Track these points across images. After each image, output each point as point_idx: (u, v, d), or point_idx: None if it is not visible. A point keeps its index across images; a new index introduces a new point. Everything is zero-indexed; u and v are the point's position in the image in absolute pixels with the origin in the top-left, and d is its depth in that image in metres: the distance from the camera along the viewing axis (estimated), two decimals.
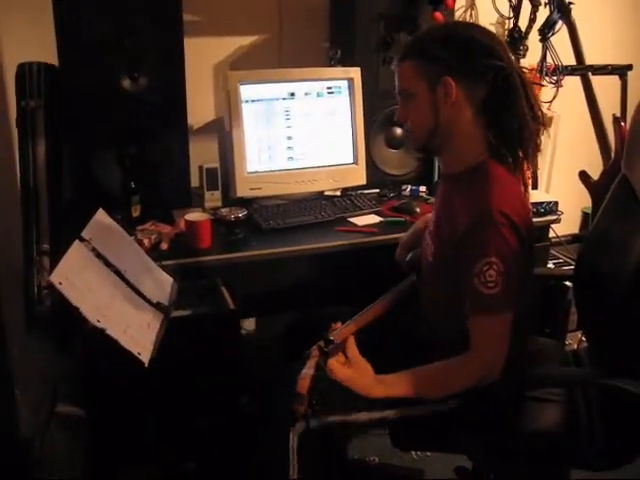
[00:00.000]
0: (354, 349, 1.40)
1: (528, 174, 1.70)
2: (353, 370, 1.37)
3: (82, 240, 1.55)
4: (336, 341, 1.40)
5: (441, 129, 1.45)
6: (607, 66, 2.46)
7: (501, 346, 1.36)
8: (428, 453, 2.10)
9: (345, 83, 2.30)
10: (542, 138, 1.48)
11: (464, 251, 1.37)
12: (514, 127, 1.42)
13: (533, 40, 2.38)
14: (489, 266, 1.32)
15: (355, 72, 2.29)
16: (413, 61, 1.44)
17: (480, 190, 1.39)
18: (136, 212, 2.02)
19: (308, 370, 1.37)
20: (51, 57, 1.96)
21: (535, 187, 2.61)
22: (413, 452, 2.11)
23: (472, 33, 1.43)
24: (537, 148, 1.47)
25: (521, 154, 1.46)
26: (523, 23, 2.38)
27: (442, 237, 1.48)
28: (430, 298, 1.60)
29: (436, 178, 2.43)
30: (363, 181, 2.36)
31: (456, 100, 1.41)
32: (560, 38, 2.38)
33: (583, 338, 2.24)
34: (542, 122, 1.46)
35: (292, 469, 1.38)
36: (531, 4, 2.33)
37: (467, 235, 1.36)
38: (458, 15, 2.62)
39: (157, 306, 1.63)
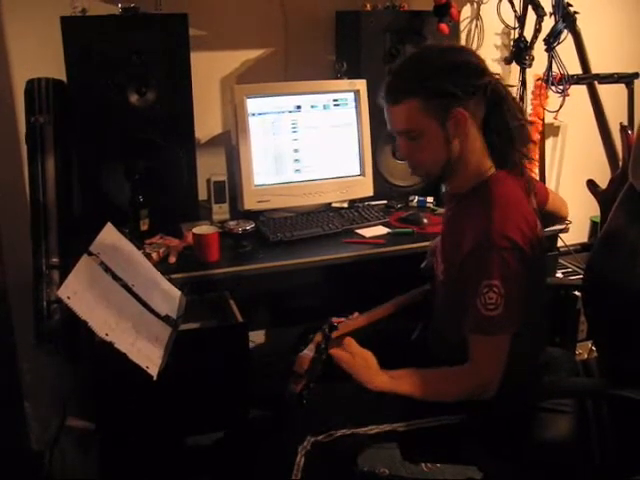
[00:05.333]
0: (353, 342, 1.41)
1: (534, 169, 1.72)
2: (356, 358, 1.39)
3: (90, 254, 1.56)
4: (340, 330, 1.41)
5: (453, 159, 1.43)
6: (613, 75, 2.46)
7: (498, 365, 1.38)
8: (438, 465, 2.09)
9: (351, 95, 2.31)
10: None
11: (467, 273, 1.37)
12: (512, 132, 1.42)
13: (539, 50, 2.39)
14: (489, 288, 1.32)
15: (361, 84, 2.30)
16: (416, 100, 1.39)
17: (482, 212, 1.38)
18: (144, 226, 2.03)
19: (308, 351, 1.39)
20: (60, 73, 1.98)
21: None
22: (423, 464, 2.09)
23: (459, 56, 1.42)
24: (533, 147, 1.50)
25: (523, 154, 1.46)
26: (528, 33, 2.39)
27: (448, 257, 1.48)
28: (441, 311, 1.60)
29: (443, 189, 2.43)
30: (370, 192, 2.37)
31: (465, 126, 1.40)
32: (566, 47, 2.39)
33: (593, 348, 2.23)
34: (527, 132, 1.46)
35: None
36: (536, 14, 2.34)
37: (470, 258, 1.36)
38: (463, 26, 2.63)
39: (165, 319, 1.63)
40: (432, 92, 1.38)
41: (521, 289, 1.35)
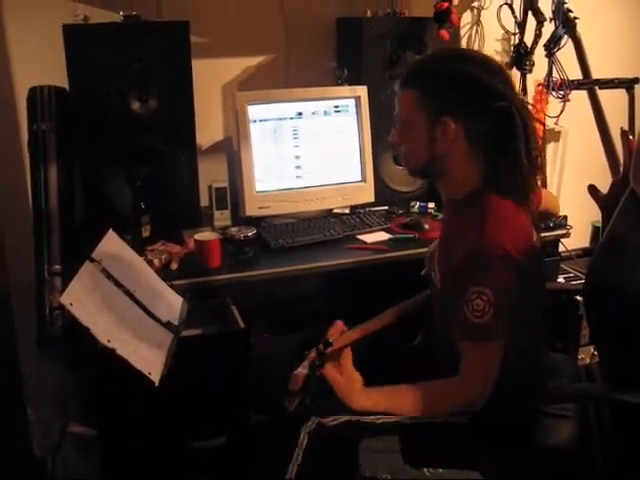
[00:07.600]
0: (348, 359, 1.42)
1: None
2: (343, 376, 1.39)
3: (92, 261, 1.57)
4: (335, 345, 1.41)
5: (436, 160, 1.43)
6: (614, 80, 2.46)
7: (488, 374, 1.37)
8: (440, 470, 2.08)
9: (352, 101, 2.31)
10: (537, 182, 1.47)
11: (457, 279, 1.37)
12: (508, 168, 1.39)
13: (539, 55, 2.40)
14: (477, 295, 1.32)
15: (362, 90, 2.30)
16: (414, 92, 1.42)
17: (475, 220, 1.38)
18: (146, 232, 2.03)
19: (302, 369, 1.39)
20: (62, 80, 1.98)
21: None
22: (425, 469, 2.09)
23: (474, 71, 1.38)
24: (529, 192, 1.44)
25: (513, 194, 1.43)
26: (529, 39, 2.40)
27: (444, 266, 1.48)
28: (441, 317, 1.59)
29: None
30: (371, 198, 2.37)
31: (454, 137, 1.39)
32: (566, 53, 2.39)
33: (595, 352, 2.23)
34: (537, 166, 1.44)
35: (292, 468, 1.40)
36: (536, 20, 2.35)
37: (461, 265, 1.35)
38: (464, 32, 2.64)
39: (167, 325, 1.64)
40: (428, 91, 1.40)
41: (512, 298, 1.33)
